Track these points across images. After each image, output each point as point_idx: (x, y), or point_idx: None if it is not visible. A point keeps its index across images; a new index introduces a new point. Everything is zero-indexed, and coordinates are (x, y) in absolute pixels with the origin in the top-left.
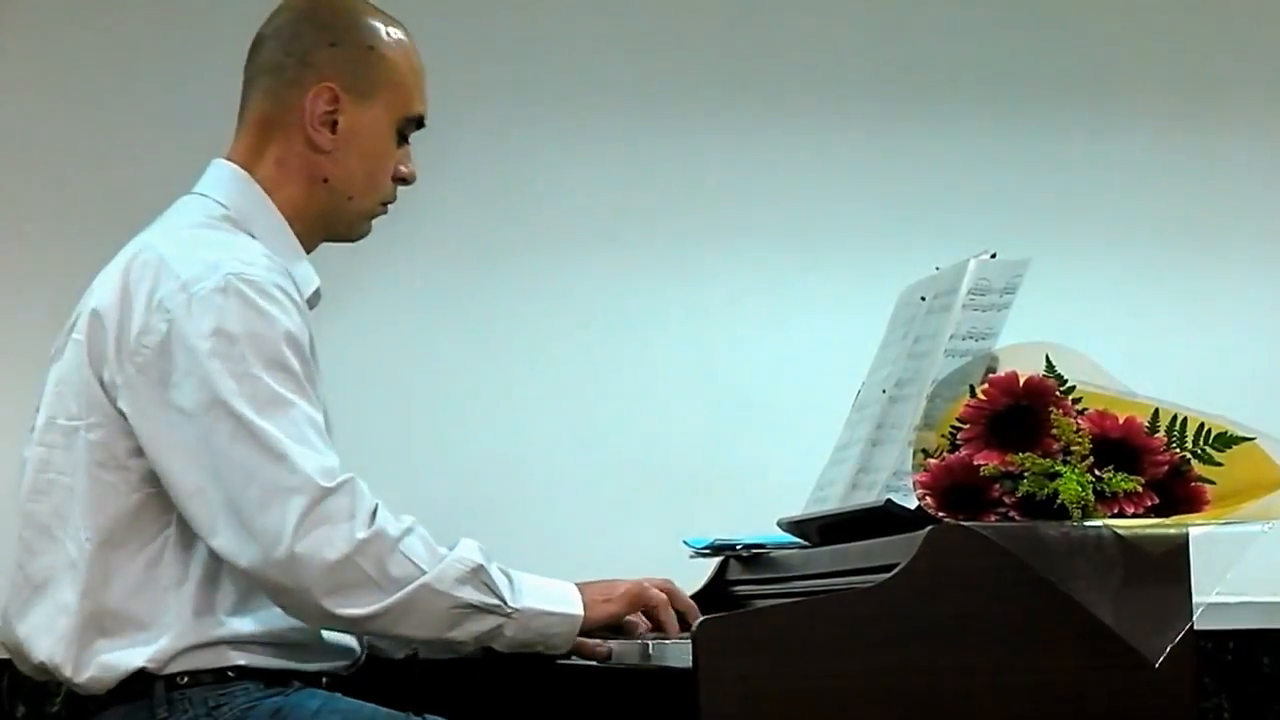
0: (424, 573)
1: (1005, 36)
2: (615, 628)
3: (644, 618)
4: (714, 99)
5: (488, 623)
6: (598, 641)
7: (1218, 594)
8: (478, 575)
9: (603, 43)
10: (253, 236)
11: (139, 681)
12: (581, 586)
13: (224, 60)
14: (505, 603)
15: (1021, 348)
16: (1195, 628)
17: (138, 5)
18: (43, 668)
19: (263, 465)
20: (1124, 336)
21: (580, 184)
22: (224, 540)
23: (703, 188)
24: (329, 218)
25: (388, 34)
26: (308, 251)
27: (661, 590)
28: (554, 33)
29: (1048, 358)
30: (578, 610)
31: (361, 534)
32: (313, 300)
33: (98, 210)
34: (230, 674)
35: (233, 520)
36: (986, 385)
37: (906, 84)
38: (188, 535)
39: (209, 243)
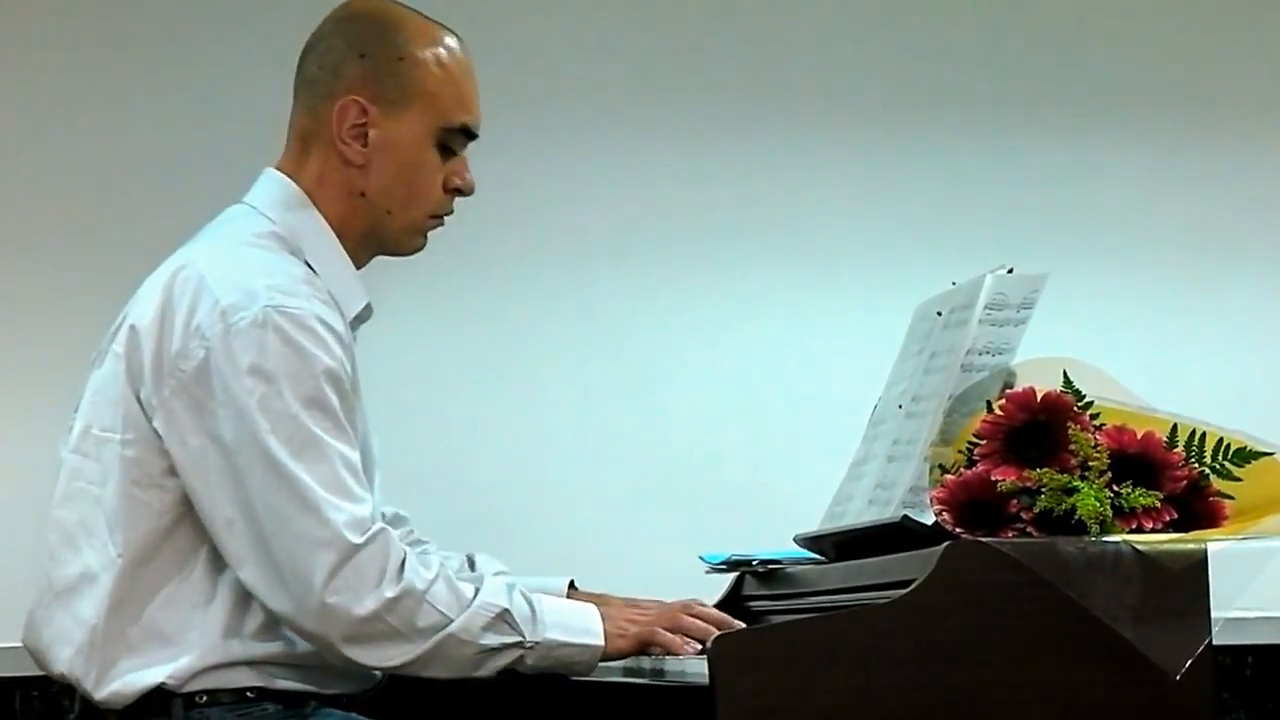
0: (450, 621)
1: (1019, 51)
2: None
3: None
4: (727, 114)
5: (510, 656)
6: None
7: (1237, 609)
8: (502, 619)
9: (616, 59)
10: (301, 254)
11: (157, 699)
12: (604, 612)
13: (257, 62)
14: (525, 637)
15: (1039, 363)
16: (1214, 642)
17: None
18: (63, 678)
19: (294, 514)
20: (1142, 351)
21: (594, 199)
22: (252, 576)
23: (717, 202)
24: (373, 232)
25: (424, 42)
26: (359, 266)
27: (683, 613)
28: (565, 47)
29: (1065, 373)
30: (598, 641)
31: (390, 592)
32: (363, 315)
33: (115, 213)
34: (249, 694)
35: (263, 560)
36: (1003, 401)
37: (921, 99)
38: (220, 557)
39: (251, 266)
